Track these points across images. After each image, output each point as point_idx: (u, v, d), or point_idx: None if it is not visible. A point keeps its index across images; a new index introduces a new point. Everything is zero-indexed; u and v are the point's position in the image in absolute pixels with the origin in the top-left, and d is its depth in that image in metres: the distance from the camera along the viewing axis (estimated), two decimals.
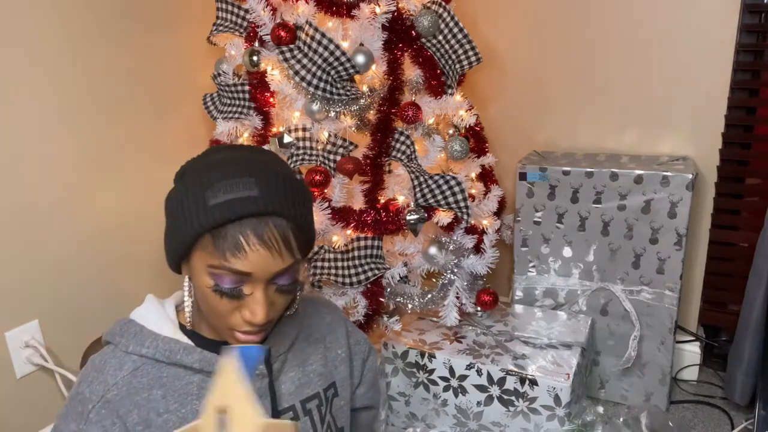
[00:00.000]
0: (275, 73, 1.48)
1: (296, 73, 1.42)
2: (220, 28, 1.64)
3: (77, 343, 1.50)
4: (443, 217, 1.51)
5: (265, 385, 0.85)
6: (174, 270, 0.81)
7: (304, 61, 1.42)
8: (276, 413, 0.84)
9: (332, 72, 1.42)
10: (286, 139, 1.46)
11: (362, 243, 1.49)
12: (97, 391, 0.77)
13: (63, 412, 0.79)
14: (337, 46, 1.39)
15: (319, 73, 1.41)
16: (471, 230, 1.61)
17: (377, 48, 1.43)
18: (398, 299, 1.59)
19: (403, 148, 1.51)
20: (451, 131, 1.62)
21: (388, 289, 1.54)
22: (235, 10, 1.61)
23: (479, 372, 1.52)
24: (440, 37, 1.53)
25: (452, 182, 1.46)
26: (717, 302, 1.84)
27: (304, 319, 0.94)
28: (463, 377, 1.55)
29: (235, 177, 0.72)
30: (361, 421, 1.09)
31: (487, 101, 1.98)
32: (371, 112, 1.49)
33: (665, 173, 1.58)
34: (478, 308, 1.68)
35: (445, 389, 1.59)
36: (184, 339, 0.82)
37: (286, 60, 1.43)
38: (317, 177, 1.43)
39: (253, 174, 0.73)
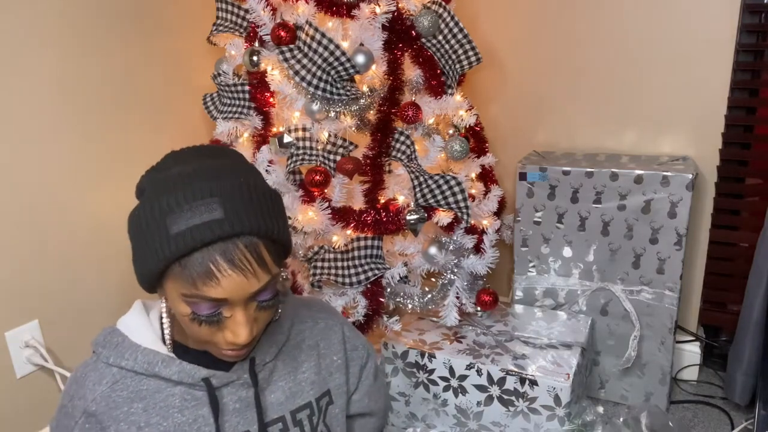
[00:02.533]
0: (275, 73, 1.48)
1: (296, 73, 1.42)
2: (220, 28, 1.64)
3: (77, 343, 1.50)
4: (443, 217, 1.51)
5: (250, 396, 0.82)
6: (149, 292, 0.78)
7: (304, 61, 1.42)
8: (263, 425, 0.82)
9: (332, 72, 1.42)
10: (286, 139, 1.46)
11: (362, 243, 1.49)
12: (78, 407, 0.77)
13: (54, 423, 0.79)
14: (337, 46, 1.39)
15: (319, 73, 1.41)
16: (471, 230, 1.61)
17: (377, 48, 1.43)
18: (398, 299, 1.59)
19: (403, 148, 1.51)
20: (451, 131, 1.62)
21: (388, 289, 1.54)
22: (235, 10, 1.61)
23: (479, 372, 1.52)
24: (440, 37, 1.53)
25: (452, 182, 1.46)
26: (717, 302, 1.84)
27: (295, 324, 0.91)
28: (463, 377, 1.55)
29: (196, 198, 0.67)
30: (354, 429, 1.06)
31: (487, 101, 1.98)
32: (371, 112, 1.49)
33: (665, 173, 1.57)
34: (478, 308, 1.68)
35: (445, 389, 1.59)
36: (164, 350, 0.80)
37: (286, 60, 1.43)
38: (317, 177, 1.43)
39: (214, 192, 0.68)
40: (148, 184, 0.74)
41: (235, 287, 0.69)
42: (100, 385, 0.77)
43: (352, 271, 1.49)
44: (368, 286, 1.49)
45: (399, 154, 1.51)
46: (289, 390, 0.87)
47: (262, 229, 0.70)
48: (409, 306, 1.59)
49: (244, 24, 1.60)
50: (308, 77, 1.42)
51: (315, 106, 1.45)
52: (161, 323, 0.83)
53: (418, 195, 1.49)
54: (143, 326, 0.82)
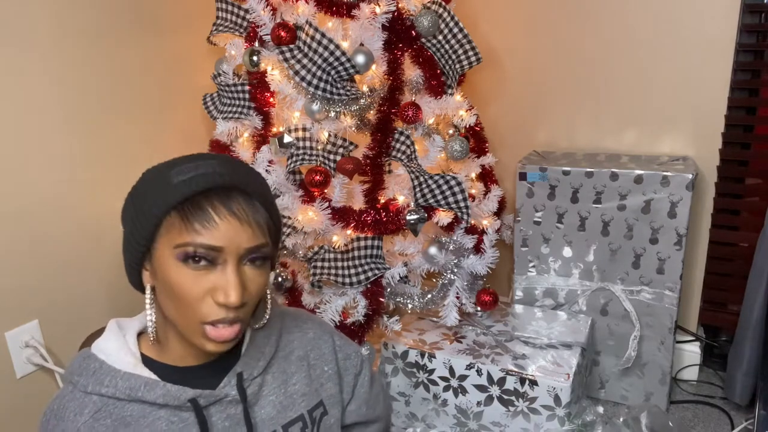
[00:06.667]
0: (275, 73, 1.48)
1: (296, 73, 1.42)
2: (220, 28, 1.64)
3: (77, 343, 1.50)
4: (443, 217, 1.51)
5: (239, 413, 0.79)
6: (136, 286, 0.79)
7: (304, 61, 1.42)
8: None
9: (332, 72, 1.42)
10: (286, 139, 1.46)
11: (362, 243, 1.49)
12: None
13: None
14: (337, 46, 1.39)
15: (319, 73, 1.41)
16: (471, 230, 1.61)
17: (377, 48, 1.43)
18: (398, 299, 1.59)
19: (403, 148, 1.51)
20: (451, 131, 1.62)
21: (388, 289, 1.54)
22: (235, 10, 1.61)
23: (479, 372, 1.52)
24: (440, 37, 1.53)
25: (452, 182, 1.46)
26: (717, 302, 1.84)
27: (283, 335, 0.89)
28: (463, 377, 1.55)
29: (198, 159, 0.74)
30: None
31: (487, 101, 1.98)
32: (371, 112, 1.49)
33: (665, 173, 1.58)
34: (478, 308, 1.68)
35: (445, 389, 1.59)
36: (146, 372, 0.77)
37: (286, 60, 1.43)
38: (317, 177, 1.43)
39: (214, 157, 0.76)
40: (142, 177, 0.79)
41: (232, 234, 0.71)
42: (82, 415, 0.74)
43: (352, 271, 1.49)
44: (368, 286, 1.49)
45: (399, 154, 1.51)
46: (279, 404, 0.84)
47: (256, 191, 0.75)
48: (409, 306, 1.59)
49: (244, 24, 1.60)
50: (308, 77, 1.42)
51: (315, 106, 1.45)
52: (139, 343, 0.82)
53: (418, 195, 1.49)
54: (121, 349, 0.79)
